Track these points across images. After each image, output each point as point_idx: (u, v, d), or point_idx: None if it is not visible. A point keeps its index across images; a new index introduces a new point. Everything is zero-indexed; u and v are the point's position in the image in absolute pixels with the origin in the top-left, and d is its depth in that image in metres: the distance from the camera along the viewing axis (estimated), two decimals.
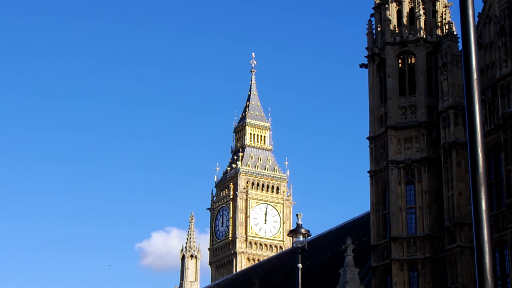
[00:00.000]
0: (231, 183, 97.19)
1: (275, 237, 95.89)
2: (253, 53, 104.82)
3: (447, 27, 49.06)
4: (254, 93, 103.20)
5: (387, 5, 50.73)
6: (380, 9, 51.29)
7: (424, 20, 49.84)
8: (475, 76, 7.26)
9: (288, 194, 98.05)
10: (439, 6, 50.74)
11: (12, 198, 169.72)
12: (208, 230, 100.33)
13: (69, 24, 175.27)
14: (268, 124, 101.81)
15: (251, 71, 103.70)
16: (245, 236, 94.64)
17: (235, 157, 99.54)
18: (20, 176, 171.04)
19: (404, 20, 50.42)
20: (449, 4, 51.19)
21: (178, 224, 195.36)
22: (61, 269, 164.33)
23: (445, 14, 50.57)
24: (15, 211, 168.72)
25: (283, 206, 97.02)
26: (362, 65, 51.53)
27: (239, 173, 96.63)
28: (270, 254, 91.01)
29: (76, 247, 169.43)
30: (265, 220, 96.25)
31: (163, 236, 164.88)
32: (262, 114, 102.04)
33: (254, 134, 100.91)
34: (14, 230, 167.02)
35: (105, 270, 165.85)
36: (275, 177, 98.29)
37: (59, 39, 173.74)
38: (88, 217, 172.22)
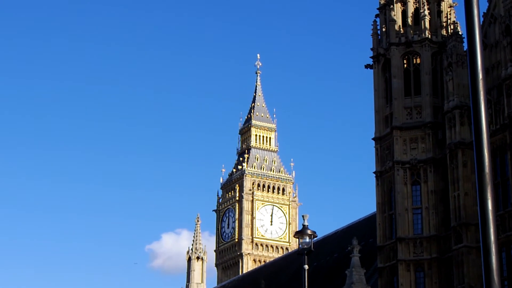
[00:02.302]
0: (237, 185, 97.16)
1: (281, 238, 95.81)
2: (258, 55, 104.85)
3: (452, 27, 49.00)
4: (259, 94, 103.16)
5: (392, 6, 50.70)
6: (385, 10, 51.27)
7: (429, 20, 49.80)
8: (480, 76, 7.25)
9: (294, 195, 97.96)
10: (444, 6, 50.68)
11: (21, 198, 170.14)
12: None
13: (68, 30, 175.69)
14: (273, 126, 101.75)
15: (256, 73, 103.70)
16: (251, 237, 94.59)
17: (241, 159, 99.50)
18: (31, 176, 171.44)
19: (409, 20, 50.38)
20: (454, 4, 51.12)
21: (189, 226, 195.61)
22: (71, 270, 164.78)
23: (450, 14, 50.51)
24: (24, 210, 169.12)
25: (289, 207, 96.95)
26: (367, 66, 51.51)
27: (244, 174, 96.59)
28: (276, 255, 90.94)
29: (86, 249, 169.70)
30: (271, 221, 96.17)
31: (173, 238, 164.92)
32: (267, 116, 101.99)
33: (259, 136, 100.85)
34: (22, 232, 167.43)
35: (115, 272, 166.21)
36: (281, 178, 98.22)
37: (58, 40, 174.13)
38: (98, 218, 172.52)
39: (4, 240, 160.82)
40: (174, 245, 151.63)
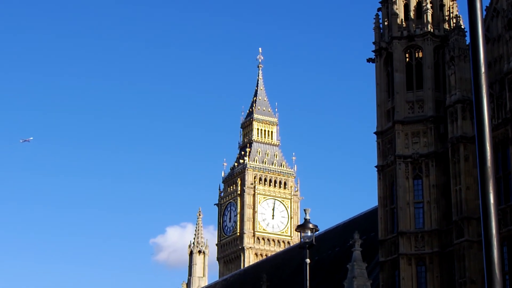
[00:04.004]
0: (239, 179, 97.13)
1: (283, 232, 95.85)
2: (260, 49, 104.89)
3: (454, 21, 48.90)
4: (261, 88, 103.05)
5: None
6: (387, 3, 51.16)
7: (432, 14, 49.69)
8: (483, 69, 7.24)
9: (296, 189, 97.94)
10: None
11: (25, 193, 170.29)
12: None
13: (68, 25, 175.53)
14: (275, 119, 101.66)
15: (258, 66, 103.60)
16: (252, 231, 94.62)
17: (243, 153, 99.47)
18: (35, 171, 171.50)
19: (411, 14, 50.28)
20: None
21: (194, 219, 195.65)
22: (76, 264, 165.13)
23: (452, 7, 50.41)
24: (29, 205, 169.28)
25: (290, 201, 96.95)
26: (369, 60, 51.43)
27: (246, 168, 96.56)
28: (278, 249, 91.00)
29: (91, 243, 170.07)
30: (273, 215, 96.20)
31: (178, 231, 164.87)
32: (269, 110, 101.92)
33: (261, 130, 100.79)
34: (26, 227, 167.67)
35: (119, 265, 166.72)
36: (283, 172, 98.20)
37: (59, 38, 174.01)
38: (102, 212, 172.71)
39: (9, 235, 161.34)
40: (179, 238, 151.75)
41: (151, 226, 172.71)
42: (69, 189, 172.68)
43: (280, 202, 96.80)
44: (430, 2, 49.84)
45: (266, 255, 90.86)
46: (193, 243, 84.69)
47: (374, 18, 51.74)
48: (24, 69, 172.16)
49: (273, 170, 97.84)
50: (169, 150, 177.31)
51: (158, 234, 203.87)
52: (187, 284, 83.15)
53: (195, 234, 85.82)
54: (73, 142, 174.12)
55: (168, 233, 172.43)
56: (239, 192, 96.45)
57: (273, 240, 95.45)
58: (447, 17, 50.05)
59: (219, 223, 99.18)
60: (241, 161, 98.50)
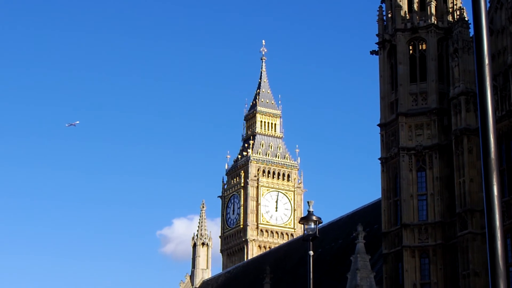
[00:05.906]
0: (242, 171, 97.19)
1: (286, 224, 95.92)
2: (263, 41, 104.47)
3: (458, 13, 48.80)
4: (265, 80, 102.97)
5: None
6: None
7: (435, 6, 49.59)
8: (486, 61, 7.22)
9: (299, 181, 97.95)
10: None
11: (33, 187, 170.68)
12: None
13: (69, 26, 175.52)
14: (278, 112, 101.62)
15: (262, 59, 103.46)
16: (256, 223, 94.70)
17: (246, 145, 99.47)
18: (44, 166, 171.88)
19: (415, 6, 50.18)
20: None
21: (199, 211, 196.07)
22: (83, 256, 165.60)
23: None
24: (37, 200, 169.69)
25: (294, 193, 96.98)
26: (372, 52, 51.35)
27: (250, 160, 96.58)
28: (281, 241, 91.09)
29: (99, 236, 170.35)
30: (276, 207, 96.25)
31: (185, 224, 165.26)
32: (272, 102, 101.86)
33: (264, 122, 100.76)
34: (35, 220, 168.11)
35: (126, 258, 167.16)
36: (286, 164, 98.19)
37: (58, 38, 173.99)
38: (110, 206, 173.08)
39: (15, 229, 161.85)
40: (186, 230, 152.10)
41: (158, 219, 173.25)
42: (78, 184, 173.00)
43: (284, 194, 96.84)
44: None
45: (269, 247, 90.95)
46: (197, 235, 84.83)
47: (377, 10, 51.65)
48: (24, 67, 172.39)
49: (276, 163, 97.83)
50: (173, 143, 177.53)
51: (164, 226, 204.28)
52: (190, 276, 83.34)
53: (198, 226, 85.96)
54: (79, 137, 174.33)
55: (175, 225, 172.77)
56: (242, 185, 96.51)
57: (277, 232, 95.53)
58: (450, 9, 49.93)
59: (222, 215, 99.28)
60: (244, 153, 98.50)
